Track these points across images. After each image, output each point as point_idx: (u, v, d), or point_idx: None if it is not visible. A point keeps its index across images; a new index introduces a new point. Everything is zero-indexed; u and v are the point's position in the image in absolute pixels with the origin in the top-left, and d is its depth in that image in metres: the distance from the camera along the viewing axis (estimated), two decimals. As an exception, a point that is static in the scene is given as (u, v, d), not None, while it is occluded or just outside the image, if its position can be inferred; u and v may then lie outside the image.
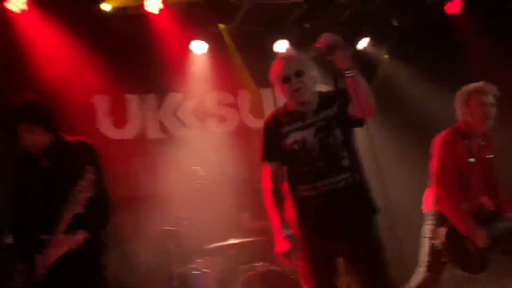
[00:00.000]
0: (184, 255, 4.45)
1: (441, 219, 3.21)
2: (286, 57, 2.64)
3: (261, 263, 4.27)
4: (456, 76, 4.55)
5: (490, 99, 3.27)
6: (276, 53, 5.75)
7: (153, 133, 5.41)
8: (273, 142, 2.59)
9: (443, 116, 3.85)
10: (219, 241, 4.35)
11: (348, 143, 2.52)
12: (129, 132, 5.32)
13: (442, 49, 5.57)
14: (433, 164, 3.30)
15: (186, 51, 5.51)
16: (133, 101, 5.40)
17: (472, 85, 3.35)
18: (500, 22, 4.93)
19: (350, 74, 2.31)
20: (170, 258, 4.35)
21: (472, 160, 3.25)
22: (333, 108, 2.51)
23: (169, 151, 5.26)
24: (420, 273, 3.34)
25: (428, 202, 3.38)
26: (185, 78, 5.48)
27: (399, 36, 5.75)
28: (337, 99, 2.48)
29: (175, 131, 5.48)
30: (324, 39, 2.34)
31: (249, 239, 4.37)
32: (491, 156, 3.36)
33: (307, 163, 2.48)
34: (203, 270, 4.25)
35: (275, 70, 2.62)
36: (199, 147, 5.28)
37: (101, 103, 5.25)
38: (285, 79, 2.55)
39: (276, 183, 2.56)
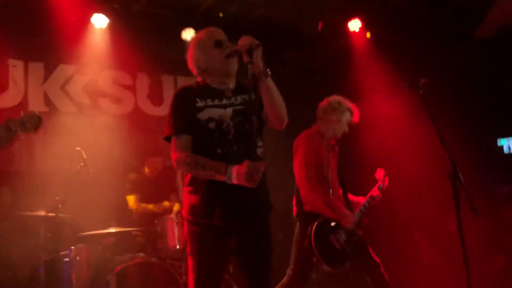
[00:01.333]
0: (56, 241, 4.12)
1: (308, 219, 3.41)
2: (215, 27, 2.51)
3: (141, 254, 4.10)
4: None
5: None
6: (183, 41, 5.59)
7: (35, 105, 4.93)
8: (185, 114, 2.34)
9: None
10: (97, 228, 4.09)
11: (262, 133, 2.44)
12: (7, 100, 4.80)
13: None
14: (297, 159, 3.51)
15: (85, 23, 5.11)
16: (16, 67, 4.87)
17: (347, 103, 3.68)
18: (393, 44, 5.32)
19: (264, 79, 2.27)
20: (38, 243, 3.99)
21: (328, 155, 3.58)
22: (253, 95, 2.38)
23: (51, 127, 4.82)
24: (288, 275, 3.48)
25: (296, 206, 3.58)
26: (80, 51, 5.08)
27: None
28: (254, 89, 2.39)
29: (61, 106, 5.06)
30: (243, 41, 2.27)
31: (129, 229, 4.16)
32: (337, 155, 3.75)
33: (222, 145, 2.31)
34: (75, 258, 3.97)
35: (206, 33, 2.46)
36: (86, 127, 4.95)
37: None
38: (218, 43, 2.41)
39: (189, 151, 2.31)
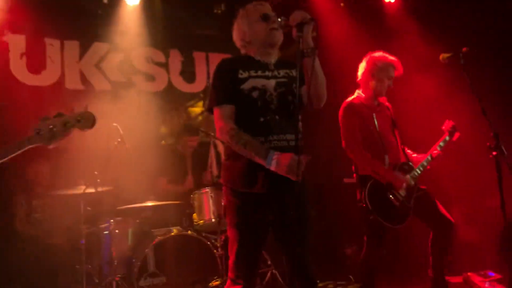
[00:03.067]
0: (96, 214, 4.26)
1: (364, 182, 3.40)
2: (262, 1, 2.54)
3: (178, 227, 4.18)
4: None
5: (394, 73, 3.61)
6: (215, 17, 5.57)
7: (72, 83, 5.04)
8: (228, 85, 2.38)
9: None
10: (135, 202, 4.19)
11: (301, 108, 2.44)
12: (45, 79, 4.92)
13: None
14: (341, 132, 3.51)
15: (118, 0, 5.15)
16: (53, 46, 4.97)
17: (387, 57, 3.59)
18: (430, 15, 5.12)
19: (310, 56, 2.27)
20: (79, 216, 4.13)
21: (375, 120, 3.52)
22: (293, 71, 2.43)
23: (88, 104, 4.90)
24: (364, 243, 3.49)
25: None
26: (114, 28, 5.12)
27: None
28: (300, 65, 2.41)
29: (96, 84, 5.14)
30: (295, 15, 2.27)
31: (166, 203, 4.24)
32: (389, 115, 3.66)
33: (264, 114, 2.34)
34: (114, 231, 4.09)
35: (254, 7, 2.50)
36: (122, 104, 5.01)
37: (16, 44, 4.78)
38: (265, 17, 2.44)
39: (233, 122, 2.34)
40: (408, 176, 3.48)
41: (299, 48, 2.24)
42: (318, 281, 2.40)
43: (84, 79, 5.10)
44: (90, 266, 4.09)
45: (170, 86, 5.57)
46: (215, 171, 5.03)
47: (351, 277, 4.59)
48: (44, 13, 4.82)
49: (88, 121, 2.07)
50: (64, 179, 4.38)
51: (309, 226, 2.42)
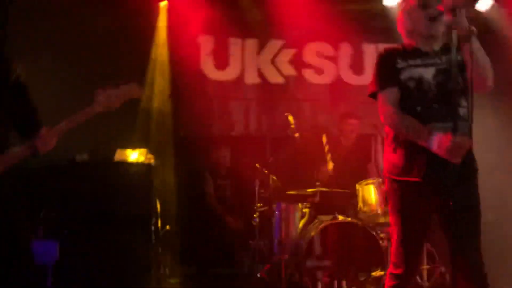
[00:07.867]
0: (268, 196, 4.60)
1: None
2: None
3: (342, 215, 4.30)
4: None
5: None
6: (384, 9, 5.52)
7: (250, 77, 5.55)
8: (389, 72, 2.43)
9: None
10: (302, 188, 4.45)
11: (467, 92, 2.36)
12: (228, 74, 5.52)
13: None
14: None
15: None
16: (235, 44, 5.54)
17: None
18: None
19: (468, 40, 2.21)
20: (253, 196, 4.54)
21: None
22: (458, 55, 2.33)
23: (264, 96, 5.40)
24: None
25: None
26: (287, 25, 5.45)
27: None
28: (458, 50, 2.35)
29: (271, 78, 5.57)
30: (446, 1, 2.24)
31: (333, 190, 4.41)
32: None
33: (421, 103, 2.35)
34: (284, 212, 4.40)
35: None
36: (293, 96, 5.35)
37: (206, 44, 5.47)
38: (424, 5, 2.41)
39: (397, 107, 2.38)
40: None
41: (454, 34, 2.17)
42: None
43: (260, 74, 5.57)
44: (262, 243, 4.50)
45: (338, 79, 5.72)
46: (380, 163, 5.01)
47: None
48: (228, 14, 5.38)
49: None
50: (241, 163, 4.90)
51: (479, 218, 2.32)
